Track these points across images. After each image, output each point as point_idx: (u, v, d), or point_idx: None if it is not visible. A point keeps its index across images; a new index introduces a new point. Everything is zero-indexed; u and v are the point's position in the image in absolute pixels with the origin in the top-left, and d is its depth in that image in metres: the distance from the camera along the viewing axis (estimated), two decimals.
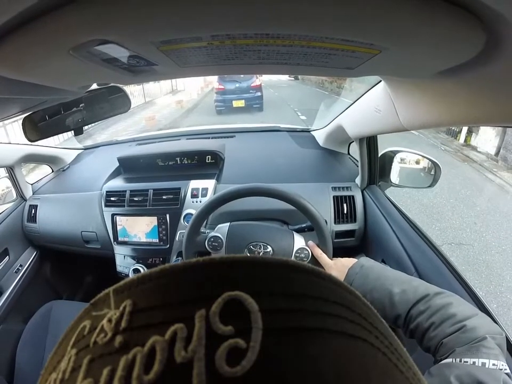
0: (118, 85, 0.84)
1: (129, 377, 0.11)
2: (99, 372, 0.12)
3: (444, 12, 0.27)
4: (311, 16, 0.26)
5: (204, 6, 0.24)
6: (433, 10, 0.26)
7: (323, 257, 0.83)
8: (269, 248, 0.89)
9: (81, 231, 1.25)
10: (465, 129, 7.33)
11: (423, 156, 1.05)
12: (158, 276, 0.15)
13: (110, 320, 0.13)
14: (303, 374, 0.11)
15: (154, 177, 1.28)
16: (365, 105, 0.87)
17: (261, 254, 0.89)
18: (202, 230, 0.96)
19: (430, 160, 1.03)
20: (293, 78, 19.02)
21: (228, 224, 0.96)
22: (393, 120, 0.69)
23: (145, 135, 1.77)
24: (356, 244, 1.11)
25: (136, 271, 1.16)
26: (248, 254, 0.88)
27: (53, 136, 0.90)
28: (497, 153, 6.59)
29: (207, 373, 0.11)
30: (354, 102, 0.97)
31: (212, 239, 0.92)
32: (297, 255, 0.88)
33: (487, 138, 6.86)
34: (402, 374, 0.14)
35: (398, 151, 1.07)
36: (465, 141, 7.33)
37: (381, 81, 0.71)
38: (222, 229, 0.95)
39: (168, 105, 10.03)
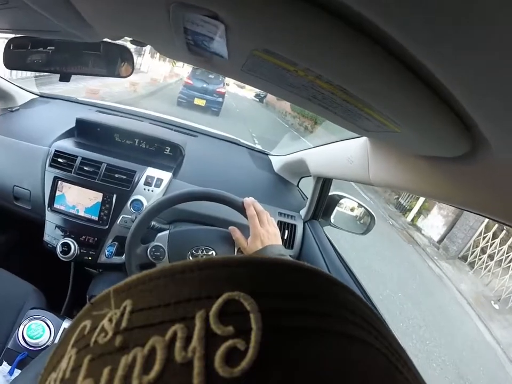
0: (131, 50, 0.90)
1: (130, 377, 0.12)
2: (99, 371, 0.13)
3: (440, 113, 0.36)
4: (373, 90, 0.35)
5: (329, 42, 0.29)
6: (433, 108, 0.35)
7: (241, 241, 0.94)
8: (211, 252, 0.99)
9: (14, 185, 1.24)
10: (415, 209, 8.10)
11: (366, 209, 1.29)
12: (158, 276, 0.16)
13: (110, 320, 0.15)
14: (302, 374, 0.13)
15: (108, 151, 1.31)
16: (338, 151, 1.02)
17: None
18: (153, 224, 1.04)
19: (370, 214, 1.27)
20: (257, 100, 19.56)
21: (167, 232, 1.03)
22: (363, 174, 0.83)
23: (108, 104, 1.79)
24: None
25: (65, 245, 1.16)
26: (190, 258, 0.97)
27: (34, 71, 0.91)
28: (440, 241, 7.42)
29: (207, 373, 0.12)
30: (326, 144, 1.15)
31: (154, 249, 0.99)
32: (239, 254, 0.99)
33: (434, 224, 7.70)
34: (402, 375, 0.16)
35: (344, 197, 1.31)
36: (412, 220, 8.17)
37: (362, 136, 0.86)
38: (162, 238, 1.01)
39: (121, 83, 9.79)
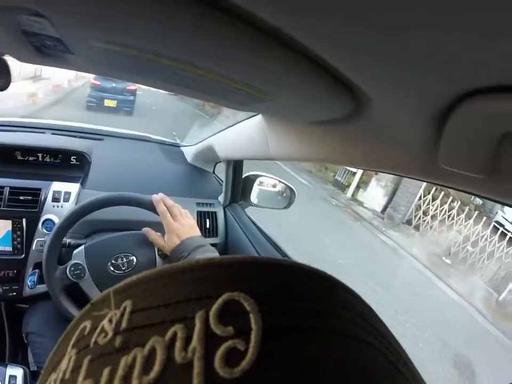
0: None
1: (130, 377, 0.13)
2: (99, 372, 0.14)
3: (318, 78, 0.38)
4: (227, 61, 0.38)
5: (149, 21, 0.30)
6: (309, 75, 0.38)
7: (158, 241, 0.98)
8: (131, 258, 1.01)
9: None
10: (354, 184, 8.71)
11: (281, 182, 1.40)
12: (157, 276, 0.17)
13: (110, 320, 0.16)
14: (302, 374, 0.13)
15: (10, 172, 1.25)
16: (239, 131, 1.11)
17: (125, 266, 1.00)
18: (68, 241, 1.05)
19: (288, 186, 1.39)
20: (172, 93, 19.50)
21: (83, 247, 1.02)
22: (263, 149, 0.91)
23: (4, 120, 1.69)
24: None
25: None
26: (112, 269, 1.00)
27: None
28: (383, 211, 7.99)
29: (207, 373, 0.13)
30: (229, 127, 1.22)
31: (73, 268, 0.98)
32: (160, 253, 1.03)
33: (374, 195, 8.31)
34: (402, 375, 0.17)
35: (259, 175, 1.43)
36: (352, 195, 8.72)
37: (258, 114, 0.92)
38: (78, 254, 1.01)
39: (18, 96, 8.89)
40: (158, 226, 1.01)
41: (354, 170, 8.55)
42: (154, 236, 0.98)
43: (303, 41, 0.30)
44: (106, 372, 0.14)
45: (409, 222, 7.80)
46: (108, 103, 10.12)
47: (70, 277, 0.97)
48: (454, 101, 0.35)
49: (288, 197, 1.41)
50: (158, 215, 0.97)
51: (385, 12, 0.23)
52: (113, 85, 10.08)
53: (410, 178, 0.63)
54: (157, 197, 0.98)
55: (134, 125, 8.46)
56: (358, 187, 8.68)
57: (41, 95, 9.82)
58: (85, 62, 0.50)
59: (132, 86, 10.47)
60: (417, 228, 7.72)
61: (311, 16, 0.25)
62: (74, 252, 1.01)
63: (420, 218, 7.74)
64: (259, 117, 0.91)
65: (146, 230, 1.00)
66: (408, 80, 0.35)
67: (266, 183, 1.45)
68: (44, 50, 0.45)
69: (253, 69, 0.39)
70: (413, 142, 0.51)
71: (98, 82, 10.02)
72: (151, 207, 0.98)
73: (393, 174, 0.66)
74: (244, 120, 1.05)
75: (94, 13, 0.30)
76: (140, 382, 0.13)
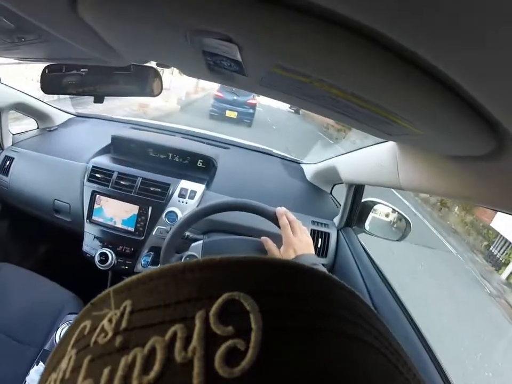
0: (159, 69, 1.14)
1: (130, 377, 0.14)
2: (99, 371, 0.15)
3: (462, 112, 0.40)
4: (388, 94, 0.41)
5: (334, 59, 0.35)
6: (453, 108, 0.39)
7: (273, 251, 1.09)
8: None
9: (55, 199, 1.58)
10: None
11: (401, 214, 1.46)
12: (158, 276, 0.19)
13: (110, 320, 0.17)
14: (303, 375, 0.15)
15: (142, 165, 1.61)
16: (368, 156, 1.19)
17: None
18: (187, 234, 1.27)
19: (405, 218, 1.44)
20: (293, 111, 20.03)
21: (201, 242, 1.22)
22: (392, 177, 0.96)
23: (141, 121, 2.14)
24: None
25: (103, 255, 1.47)
26: None
27: (69, 94, 1.17)
28: None
29: (207, 373, 0.14)
30: (356, 150, 1.34)
31: (188, 258, 1.17)
32: None
33: None
34: (402, 375, 0.18)
35: (377, 203, 1.53)
36: (507, 278, 7.39)
37: (389, 140, 0.97)
38: (196, 248, 1.21)
39: (129, 105, 10.12)
40: (272, 237, 1.14)
41: None
42: (271, 245, 1.10)
43: (453, 77, 0.32)
44: (106, 371, 0.15)
45: None
46: (229, 114, 12.10)
47: None
48: None
49: (401, 229, 1.48)
50: (279, 227, 1.09)
51: None
52: (235, 97, 11.98)
53: None
54: (281, 210, 1.10)
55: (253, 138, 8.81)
56: None
57: (153, 107, 10.67)
58: (252, 83, 0.58)
59: (252, 100, 11.94)
60: None
61: (452, 46, 0.26)
62: (193, 244, 1.22)
63: None
64: (391, 144, 0.97)
65: (265, 239, 1.13)
66: None
67: (379, 211, 1.54)
68: (215, 69, 0.53)
69: (405, 103, 0.43)
70: None
71: (222, 94, 12.00)
72: (273, 218, 1.11)
73: None
74: (373, 145, 1.14)
75: (279, 40, 0.34)
76: (140, 382, 0.14)
